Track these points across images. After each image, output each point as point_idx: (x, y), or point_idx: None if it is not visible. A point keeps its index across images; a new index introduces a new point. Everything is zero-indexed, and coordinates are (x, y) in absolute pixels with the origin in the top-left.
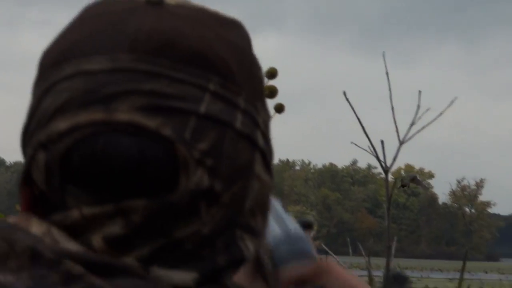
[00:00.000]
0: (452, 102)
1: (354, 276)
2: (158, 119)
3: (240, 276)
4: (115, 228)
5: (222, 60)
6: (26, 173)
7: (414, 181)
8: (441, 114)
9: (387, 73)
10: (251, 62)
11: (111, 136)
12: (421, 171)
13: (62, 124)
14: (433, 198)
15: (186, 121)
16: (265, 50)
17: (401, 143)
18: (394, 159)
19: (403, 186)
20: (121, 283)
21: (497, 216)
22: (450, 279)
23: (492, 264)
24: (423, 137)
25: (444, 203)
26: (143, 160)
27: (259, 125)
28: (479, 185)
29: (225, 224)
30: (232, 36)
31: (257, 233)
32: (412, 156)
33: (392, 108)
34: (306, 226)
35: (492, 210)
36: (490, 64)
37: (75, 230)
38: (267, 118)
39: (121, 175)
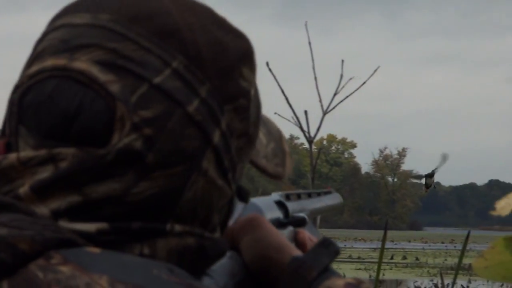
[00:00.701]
0: (374, 71)
1: (282, 234)
2: (110, 75)
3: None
4: (44, 174)
5: (196, 47)
6: (4, 120)
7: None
8: (364, 83)
9: (309, 43)
10: (233, 67)
11: (62, 81)
12: (343, 140)
13: (33, 68)
14: (356, 167)
15: (137, 85)
16: None
17: (325, 113)
18: (318, 129)
19: (428, 186)
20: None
21: (419, 185)
22: (373, 248)
23: (415, 233)
24: (346, 107)
25: (367, 173)
26: (82, 109)
27: (219, 124)
28: (402, 154)
29: (155, 204)
30: (223, 36)
31: (190, 233)
32: (335, 126)
33: (315, 78)
34: (299, 223)
35: (414, 178)
36: (412, 32)
37: (9, 175)
38: (238, 128)
39: (59, 120)
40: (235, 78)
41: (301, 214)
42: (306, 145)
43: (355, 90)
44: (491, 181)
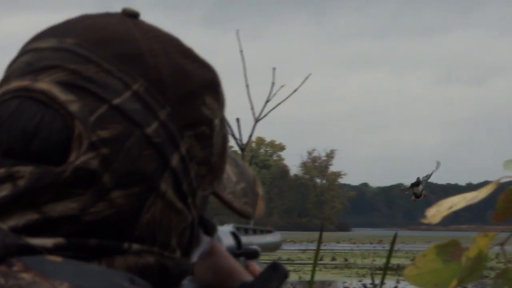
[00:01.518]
0: (306, 78)
1: (234, 260)
2: (70, 96)
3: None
4: (2, 193)
5: (158, 72)
6: None
7: (421, 184)
8: (295, 90)
9: (241, 51)
10: (195, 94)
11: (24, 101)
12: (272, 143)
13: (0, 91)
14: (285, 170)
15: (97, 106)
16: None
17: (257, 120)
18: (250, 136)
19: (417, 196)
20: None
21: (347, 187)
22: (303, 250)
23: (343, 234)
24: (276, 110)
25: (296, 175)
26: (41, 127)
27: (178, 148)
28: (330, 156)
29: (112, 224)
30: (186, 65)
31: (149, 252)
32: (265, 129)
33: (247, 86)
34: (252, 255)
35: (342, 180)
36: (341, 35)
37: None
38: (199, 156)
39: (19, 139)
40: (197, 105)
41: (254, 247)
42: (238, 152)
43: (286, 98)
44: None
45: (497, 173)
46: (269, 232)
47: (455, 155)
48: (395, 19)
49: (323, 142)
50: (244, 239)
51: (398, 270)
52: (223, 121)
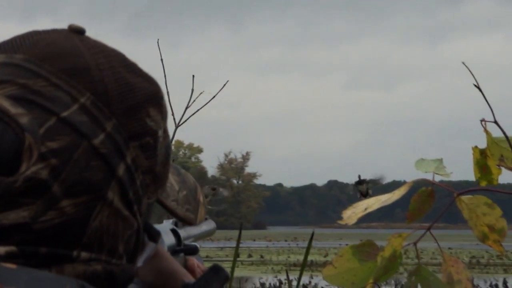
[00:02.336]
0: (224, 85)
1: (176, 262)
2: (20, 109)
3: None
4: None
5: (104, 85)
6: None
7: (365, 183)
8: (214, 97)
9: (161, 60)
10: (139, 107)
11: None
12: (190, 146)
13: None
14: (202, 171)
15: (46, 118)
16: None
17: (177, 126)
18: (171, 141)
19: (363, 194)
20: None
21: (262, 187)
22: (220, 248)
23: (259, 232)
24: (194, 115)
25: (213, 176)
26: None
27: (124, 158)
28: (246, 157)
29: (62, 231)
30: (130, 78)
31: (97, 260)
32: (183, 133)
33: (168, 92)
34: (191, 252)
35: (258, 181)
36: (255, 43)
37: None
38: (144, 165)
39: None
40: (141, 117)
41: (193, 243)
42: None
43: (206, 104)
44: (330, 182)
45: (403, 172)
46: (205, 220)
47: (364, 155)
48: (307, 27)
49: (239, 144)
50: (183, 231)
51: (311, 266)
52: (166, 131)
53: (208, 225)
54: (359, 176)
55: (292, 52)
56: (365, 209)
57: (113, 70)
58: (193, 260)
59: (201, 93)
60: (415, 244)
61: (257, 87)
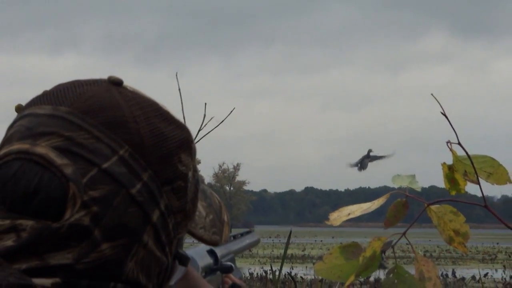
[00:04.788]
0: (230, 112)
1: (206, 282)
2: (65, 160)
3: None
4: (9, 241)
5: (140, 139)
6: None
7: (370, 158)
8: (222, 121)
9: (179, 89)
10: (172, 154)
11: (25, 163)
12: None
13: (3, 151)
14: (200, 179)
15: (88, 169)
16: (67, 69)
17: None
18: (199, 176)
19: (363, 167)
20: None
21: (250, 192)
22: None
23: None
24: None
25: (209, 183)
26: (40, 187)
27: (158, 205)
28: (236, 168)
29: (101, 270)
30: (164, 128)
31: None
32: None
33: (184, 118)
34: (226, 270)
35: (246, 187)
36: (245, 71)
37: None
38: (175, 206)
39: (21, 196)
40: (173, 164)
41: (228, 263)
42: None
43: (215, 127)
44: (307, 188)
45: (368, 180)
46: (248, 233)
47: (335, 166)
48: (288, 59)
49: (231, 157)
50: (223, 248)
51: (291, 258)
52: (195, 169)
53: (251, 238)
54: (369, 151)
55: (276, 80)
56: (349, 214)
57: (148, 122)
58: (230, 276)
59: (211, 118)
60: (392, 246)
61: (247, 109)
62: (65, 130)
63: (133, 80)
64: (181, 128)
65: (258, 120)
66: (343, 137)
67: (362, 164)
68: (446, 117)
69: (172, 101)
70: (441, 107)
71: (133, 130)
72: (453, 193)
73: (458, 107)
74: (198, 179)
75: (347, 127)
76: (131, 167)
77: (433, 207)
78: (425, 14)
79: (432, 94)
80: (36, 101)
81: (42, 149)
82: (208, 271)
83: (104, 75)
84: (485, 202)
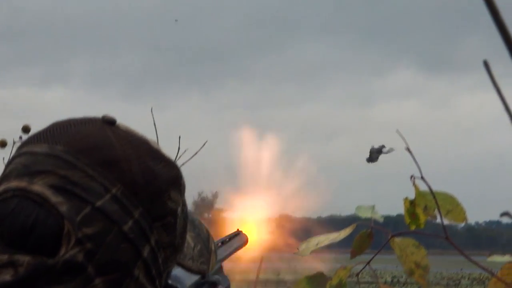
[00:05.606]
0: (203, 145)
1: None
2: (60, 198)
3: None
4: (6, 276)
5: (132, 178)
6: None
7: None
8: (195, 154)
9: (154, 124)
10: (162, 192)
11: (22, 200)
12: None
13: (1, 187)
14: (190, 211)
15: (82, 207)
16: (55, 102)
17: None
18: (188, 211)
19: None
20: None
21: (230, 220)
22: None
23: None
24: None
25: (189, 210)
26: (36, 224)
27: (149, 241)
28: (215, 196)
29: None
30: (154, 166)
31: None
32: None
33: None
34: (213, 284)
35: (224, 215)
36: (223, 105)
37: None
38: (165, 241)
39: (18, 232)
40: (163, 201)
41: (215, 276)
42: None
43: (189, 159)
44: (281, 216)
45: (335, 207)
46: (236, 235)
47: (306, 195)
48: (264, 94)
49: (209, 186)
50: (226, 248)
51: (266, 283)
52: (184, 204)
53: (239, 241)
54: (382, 146)
55: (253, 114)
56: (317, 244)
57: (140, 160)
58: None
59: (185, 151)
60: (357, 275)
61: (224, 142)
62: (61, 169)
63: (119, 113)
64: (171, 165)
65: (235, 151)
66: (314, 166)
67: (372, 157)
68: (410, 153)
69: (155, 134)
70: (405, 142)
71: (125, 169)
72: (413, 227)
73: (422, 140)
74: (187, 213)
75: (318, 157)
76: (123, 205)
77: (396, 239)
78: (392, 52)
79: (397, 131)
80: (33, 139)
81: (38, 187)
82: (195, 286)
83: (91, 108)
84: (446, 234)
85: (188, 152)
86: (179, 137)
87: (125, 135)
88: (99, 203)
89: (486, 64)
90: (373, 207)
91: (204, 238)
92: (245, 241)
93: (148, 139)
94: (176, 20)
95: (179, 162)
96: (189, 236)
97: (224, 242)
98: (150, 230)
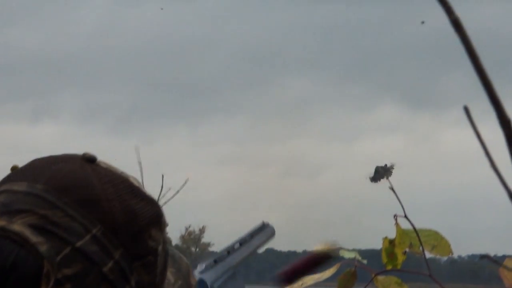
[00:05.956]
0: (185, 183)
1: None
2: (40, 238)
3: None
4: None
5: (113, 217)
6: None
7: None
8: (177, 192)
9: (140, 163)
10: (143, 231)
11: (2, 240)
12: None
13: None
14: (168, 241)
15: (62, 247)
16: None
17: None
18: (168, 248)
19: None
20: None
21: (215, 253)
22: None
23: None
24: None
25: (176, 245)
26: (16, 264)
27: (129, 282)
28: (202, 230)
29: None
30: (135, 204)
31: None
32: None
33: (143, 187)
34: None
35: (211, 248)
36: (209, 141)
37: None
38: (145, 280)
39: None
40: (144, 240)
41: None
42: None
43: (171, 198)
44: (267, 250)
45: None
46: (262, 228)
47: (294, 228)
48: (251, 129)
49: (197, 220)
50: (224, 263)
51: None
52: (165, 241)
53: (267, 232)
54: (391, 167)
55: (239, 149)
56: (302, 284)
57: (120, 199)
58: None
59: (169, 189)
60: None
61: (211, 176)
62: (40, 208)
63: (107, 148)
64: (152, 204)
65: (222, 186)
66: (300, 201)
67: (375, 177)
68: (394, 192)
69: (143, 169)
70: (389, 182)
71: (106, 208)
72: (389, 267)
73: (407, 174)
74: (167, 251)
75: (304, 191)
76: (104, 245)
77: (379, 277)
78: (377, 88)
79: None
80: (13, 177)
81: (18, 226)
82: None
83: (80, 143)
84: (429, 271)
85: (174, 188)
86: (162, 176)
87: (106, 173)
88: (79, 244)
89: (466, 110)
90: (356, 251)
91: (185, 272)
92: (270, 235)
93: (129, 177)
94: (161, 8)
95: (162, 200)
96: (169, 272)
97: (243, 242)
98: (130, 271)
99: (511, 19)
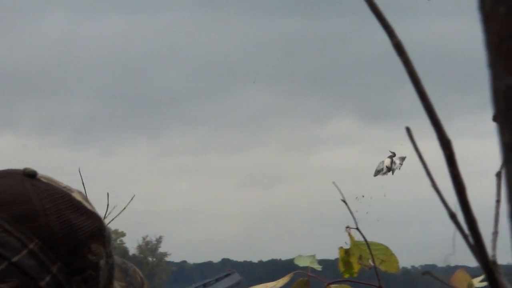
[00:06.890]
0: (131, 199)
1: None
2: None
3: None
4: None
5: (51, 232)
6: None
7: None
8: (124, 209)
9: (83, 184)
10: (82, 245)
11: None
12: (116, 231)
13: None
14: (125, 251)
15: None
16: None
17: None
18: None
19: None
20: None
21: (171, 263)
22: None
23: None
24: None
25: (134, 254)
26: None
27: None
28: (159, 240)
29: None
30: (74, 219)
31: None
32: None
33: (88, 201)
34: None
35: (168, 258)
36: (169, 151)
37: None
38: None
39: None
40: (83, 255)
41: None
42: None
43: (117, 216)
44: (223, 259)
45: (279, 252)
46: (227, 275)
47: (249, 238)
48: (209, 140)
49: (154, 230)
50: None
51: None
52: (109, 255)
53: (232, 279)
54: (394, 153)
55: (197, 160)
56: None
57: (59, 214)
58: None
59: (114, 207)
60: None
61: (169, 187)
62: None
63: (66, 159)
64: (93, 218)
65: (181, 197)
66: (257, 212)
67: (390, 168)
68: (346, 204)
69: (100, 179)
70: (341, 194)
71: (43, 223)
72: (346, 276)
73: (362, 185)
74: (112, 264)
75: (261, 202)
76: (41, 260)
77: (332, 286)
78: (333, 100)
79: (333, 183)
80: None
81: None
82: None
83: (39, 154)
84: (379, 283)
85: (135, 199)
86: (108, 194)
87: (46, 188)
88: (15, 259)
89: (408, 130)
90: (313, 256)
91: (137, 286)
92: (237, 282)
93: (71, 192)
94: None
95: (109, 217)
96: (119, 286)
97: (206, 285)
98: (69, 285)
99: (471, 34)
